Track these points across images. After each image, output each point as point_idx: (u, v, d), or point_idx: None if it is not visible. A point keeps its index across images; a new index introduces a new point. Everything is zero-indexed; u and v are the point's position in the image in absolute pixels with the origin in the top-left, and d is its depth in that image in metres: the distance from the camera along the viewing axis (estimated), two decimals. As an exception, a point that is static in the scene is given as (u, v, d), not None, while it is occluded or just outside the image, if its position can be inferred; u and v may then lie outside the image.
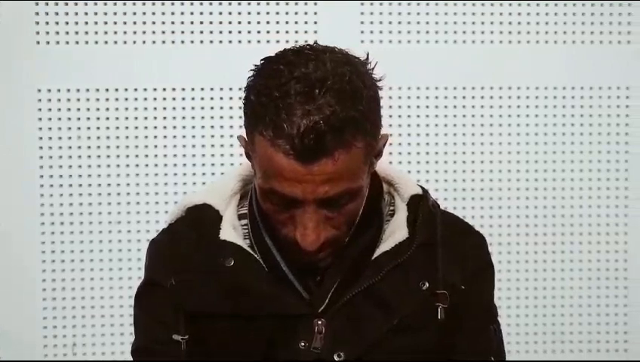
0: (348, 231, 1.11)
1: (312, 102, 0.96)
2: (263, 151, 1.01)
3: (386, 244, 1.14)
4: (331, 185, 0.99)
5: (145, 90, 1.86)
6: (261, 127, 1.00)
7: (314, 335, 1.11)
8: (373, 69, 1.05)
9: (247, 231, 1.18)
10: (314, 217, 1.02)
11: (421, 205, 1.18)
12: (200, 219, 1.19)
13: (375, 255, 1.14)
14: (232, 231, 1.16)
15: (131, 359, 1.91)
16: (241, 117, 2.00)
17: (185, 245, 1.18)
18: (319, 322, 1.11)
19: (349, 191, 1.03)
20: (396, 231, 1.15)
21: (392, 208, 1.21)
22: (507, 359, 1.95)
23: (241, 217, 1.21)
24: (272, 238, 1.13)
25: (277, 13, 1.87)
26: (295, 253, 1.08)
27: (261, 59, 1.03)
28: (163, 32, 1.85)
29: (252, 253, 1.14)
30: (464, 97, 1.92)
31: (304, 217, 1.02)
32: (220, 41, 1.87)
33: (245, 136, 1.11)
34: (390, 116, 1.91)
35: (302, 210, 1.02)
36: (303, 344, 1.10)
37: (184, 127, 1.88)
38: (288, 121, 0.96)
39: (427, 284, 1.14)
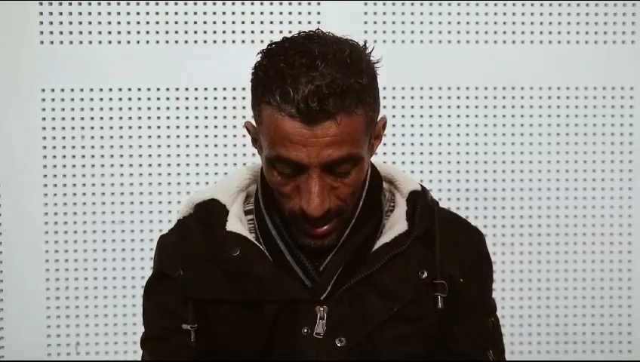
0: (352, 207, 1.16)
1: (315, 71, 1.04)
2: (269, 120, 1.08)
3: (386, 236, 1.20)
4: (334, 148, 1.06)
5: (148, 89, 1.86)
6: (268, 96, 1.07)
7: (316, 321, 1.15)
8: (371, 52, 1.13)
9: (252, 225, 1.23)
10: (318, 182, 1.08)
11: (419, 200, 1.23)
12: (207, 213, 1.24)
13: (375, 247, 1.19)
14: (238, 223, 1.21)
15: (134, 359, 1.91)
16: (244, 116, 2.00)
17: (192, 237, 1.24)
18: (321, 308, 1.17)
19: (351, 155, 1.09)
20: (396, 225, 1.22)
21: (392, 204, 1.27)
22: (512, 359, 1.95)
23: (247, 213, 1.25)
24: (277, 230, 1.18)
25: (280, 13, 1.87)
26: (301, 231, 1.12)
27: (268, 44, 1.12)
28: (166, 32, 1.84)
29: (257, 244, 1.19)
30: (467, 97, 1.91)
31: (309, 182, 1.08)
32: (224, 41, 1.87)
33: (251, 121, 1.18)
34: (394, 116, 1.91)
35: (307, 175, 1.08)
36: (305, 330, 1.15)
37: (187, 127, 1.88)
38: (293, 86, 1.04)
39: (426, 273, 1.19)
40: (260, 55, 1.13)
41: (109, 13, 1.87)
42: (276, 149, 1.08)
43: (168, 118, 1.89)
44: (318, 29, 1.14)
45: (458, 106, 1.93)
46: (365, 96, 1.09)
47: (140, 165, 1.90)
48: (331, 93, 1.04)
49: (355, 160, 1.10)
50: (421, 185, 1.28)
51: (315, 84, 1.03)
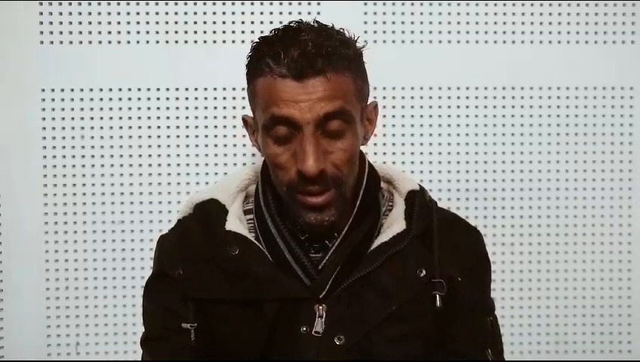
0: (348, 178, 1.16)
1: (303, 36, 1.11)
2: (262, 87, 1.14)
3: (384, 235, 1.22)
4: (326, 102, 1.10)
5: (148, 89, 1.86)
6: (262, 65, 1.13)
7: (315, 320, 1.16)
8: (356, 40, 1.19)
9: (252, 225, 1.24)
10: (312, 140, 1.10)
11: (418, 199, 1.23)
12: (207, 213, 1.24)
13: (374, 246, 1.20)
14: (238, 222, 1.22)
15: (134, 359, 1.91)
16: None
17: (192, 237, 1.24)
18: (320, 307, 1.16)
19: (343, 110, 1.12)
20: (394, 224, 1.22)
21: (390, 203, 1.27)
22: (512, 359, 1.95)
23: (246, 212, 1.25)
24: (276, 228, 1.20)
25: (280, 13, 1.87)
26: (301, 205, 1.13)
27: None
28: (166, 32, 1.85)
29: (257, 243, 1.20)
30: (467, 97, 1.91)
31: (303, 142, 1.11)
32: (224, 41, 1.87)
33: (248, 115, 1.24)
34: (393, 116, 1.90)
35: (301, 136, 1.11)
36: (304, 328, 1.16)
37: (187, 127, 1.87)
38: (284, 50, 1.10)
39: (424, 272, 1.20)
40: (253, 44, 1.20)
41: (109, 13, 1.86)
42: (270, 110, 1.12)
43: (168, 118, 1.89)
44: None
45: (458, 106, 1.93)
46: (352, 66, 1.15)
47: (140, 165, 1.90)
48: (319, 54, 1.10)
49: (348, 116, 1.13)
50: (420, 185, 1.28)
51: (303, 46, 1.10)
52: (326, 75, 1.10)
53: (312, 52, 1.09)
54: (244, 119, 1.25)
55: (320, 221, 1.14)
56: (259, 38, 1.20)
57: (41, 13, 1.85)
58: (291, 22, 1.20)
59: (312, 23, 1.17)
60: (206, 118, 1.90)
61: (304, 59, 1.09)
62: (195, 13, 1.88)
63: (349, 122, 1.12)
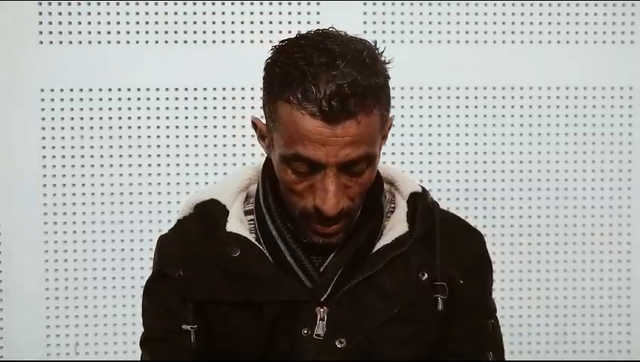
0: (359, 206, 1.15)
1: (335, 70, 1.03)
2: (288, 118, 1.07)
3: (387, 238, 1.19)
4: (353, 147, 1.06)
5: (147, 90, 1.86)
6: (287, 93, 1.05)
7: (316, 323, 1.15)
8: (382, 53, 1.12)
9: (253, 226, 1.22)
10: (335, 181, 1.07)
11: (420, 202, 1.22)
12: (207, 213, 1.23)
13: (376, 248, 1.19)
14: (238, 223, 1.21)
15: (134, 359, 1.91)
16: (244, 116, 1.99)
17: (192, 237, 1.23)
18: (321, 309, 1.15)
19: (367, 155, 1.08)
20: (396, 226, 1.21)
21: (392, 205, 1.26)
22: (512, 359, 1.95)
23: (247, 213, 1.24)
24: (277, 230, 1.18)
25: (280, 13, 1.87)
26: (311, 229, 1.11)
27: (280, 41, 1.10)
28: (166, 32, 1.85)
29: (257, 244, 1.19)
30: (467, 97, 1.91)
31: (325, 182, 1.07)
32: (223, 41, 1.87)
33: (258, 117, 1.17)
34: (393, 116, 1.89)
35: (323, 174, 1.08)
36: (305, 331, 1.15)
37: (187, 127, 1.87)
38: (315, 85, 1.03)
39: (426, 275, 1.19)
40: (273, 51, 1.10)
41: (109, 13, 1.86)
42: (294, 148, 1.07)
43: (168, 118, 1.89)
44: (331, 27, 1.11)
45: (458, 106, 1.93)
46: (382, 96, 1.09)
47: (140, 165, 1.89)
48: (353, 93, 1.03)
49: (371, 159, 1.10)
50: (421, 187, 1.28)
51: (336, 84, 1.02)
52: (357, 118, 1.04)
53: (346, 93, 1.02)
54: (254, 122, 1.22)
55: (327, 243, 1.13)
56: (282, 51, 1.10)
57: (41, 13, 1.85)
58: (318, 33, 1.10)
59: (343, 44, 1.07)
60: (206, 118, 1.90)
61: (337, 100, 1.02)
62: (195, 13, 1.88)
63: (371, 162, 1.10)
